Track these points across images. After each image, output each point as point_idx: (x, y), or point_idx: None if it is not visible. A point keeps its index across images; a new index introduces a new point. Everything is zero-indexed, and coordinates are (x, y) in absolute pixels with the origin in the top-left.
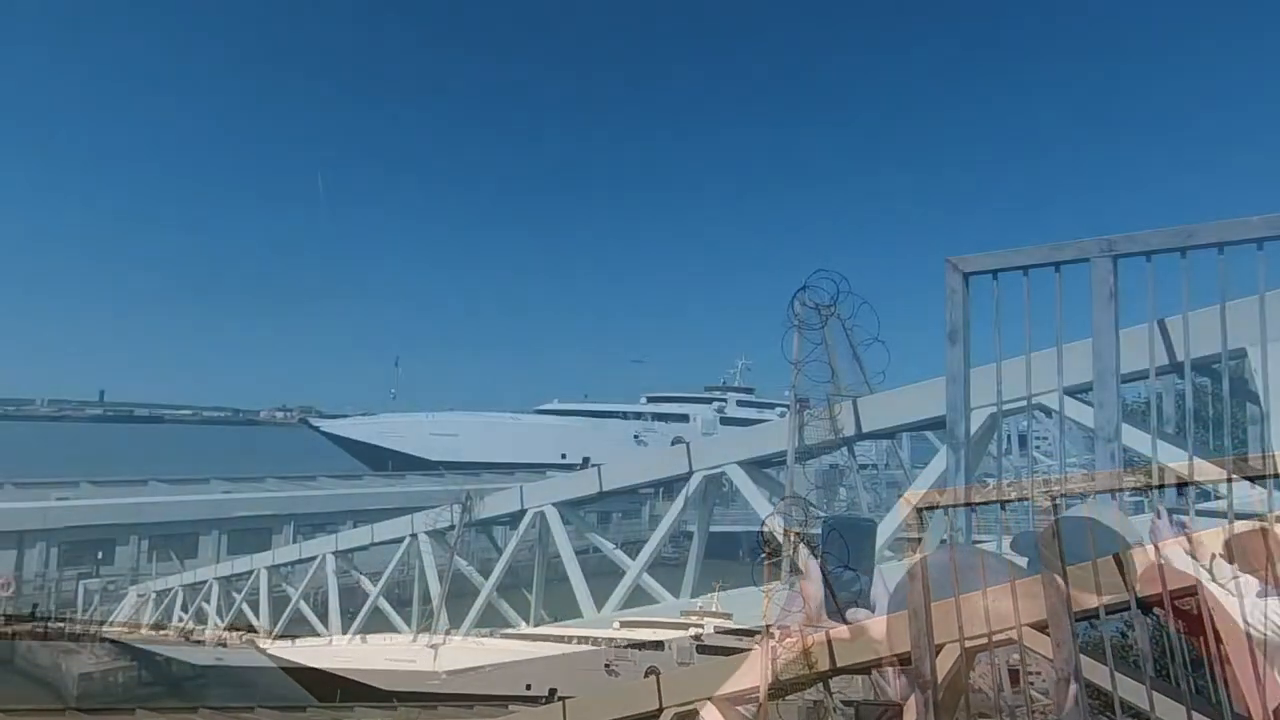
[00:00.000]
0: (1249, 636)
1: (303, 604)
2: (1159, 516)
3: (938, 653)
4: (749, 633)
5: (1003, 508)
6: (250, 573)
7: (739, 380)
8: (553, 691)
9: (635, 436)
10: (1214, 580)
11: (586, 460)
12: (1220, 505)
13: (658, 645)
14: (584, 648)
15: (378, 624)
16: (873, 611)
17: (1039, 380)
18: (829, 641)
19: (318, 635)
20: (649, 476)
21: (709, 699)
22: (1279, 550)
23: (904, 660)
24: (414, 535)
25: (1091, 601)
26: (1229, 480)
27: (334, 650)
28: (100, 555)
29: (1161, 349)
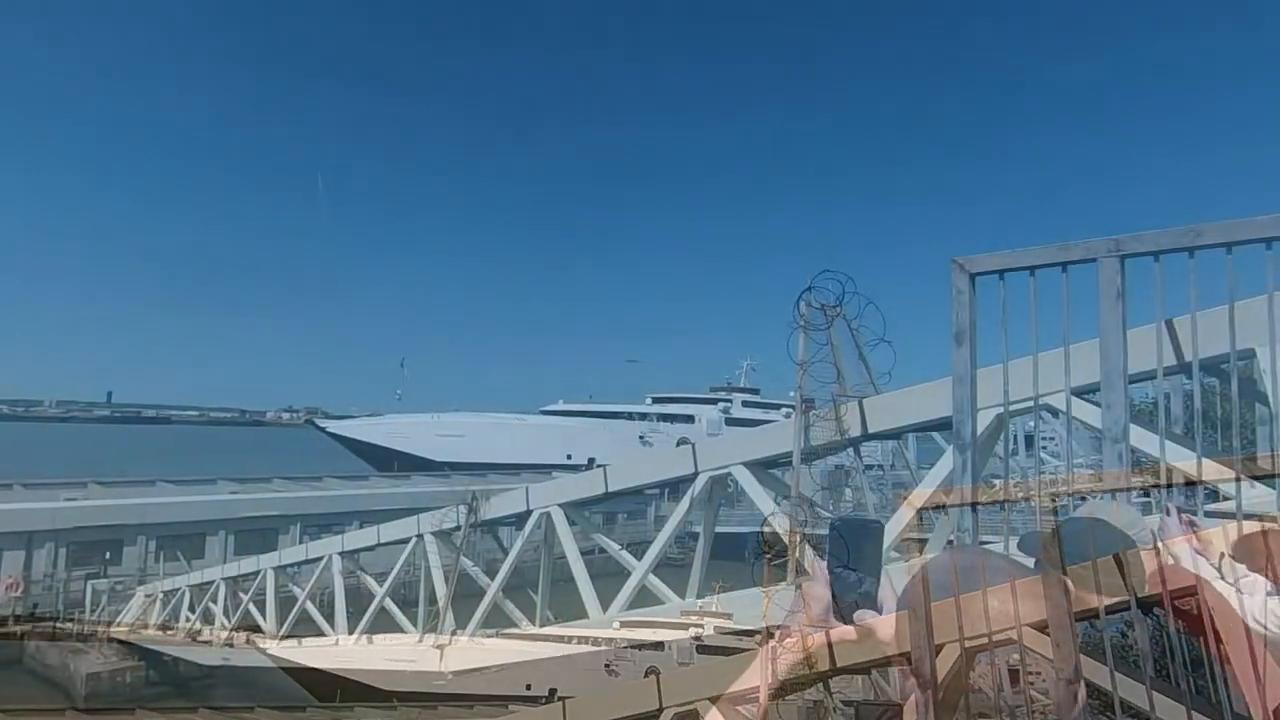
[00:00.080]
0: (1261, 636)
1: (309, 604)
2: (1168, 515)
3: (938, 652)
4: (750, 633)
5: (1002, 508)
6: (257, 573)
7: (744, 381)
8: (553, 691)
9: (640, 437)
10: (1222, 579)
11: (592, 461)
12: (1229, 506)
13: (658, 645)
14: (584, 648)
15: (384, 624)
16: (879, 613)
17: (1046, 381)
18: (829, 642)
19: (324, 636)
20: (654, 477)
21: (709, 699)
22: None
23: (906, 660)
24: (420, 536)
25: (1095, 602)
26: (1237, 480)
27: (340, 651)
28: (108, 555)
29: (1169, 349)
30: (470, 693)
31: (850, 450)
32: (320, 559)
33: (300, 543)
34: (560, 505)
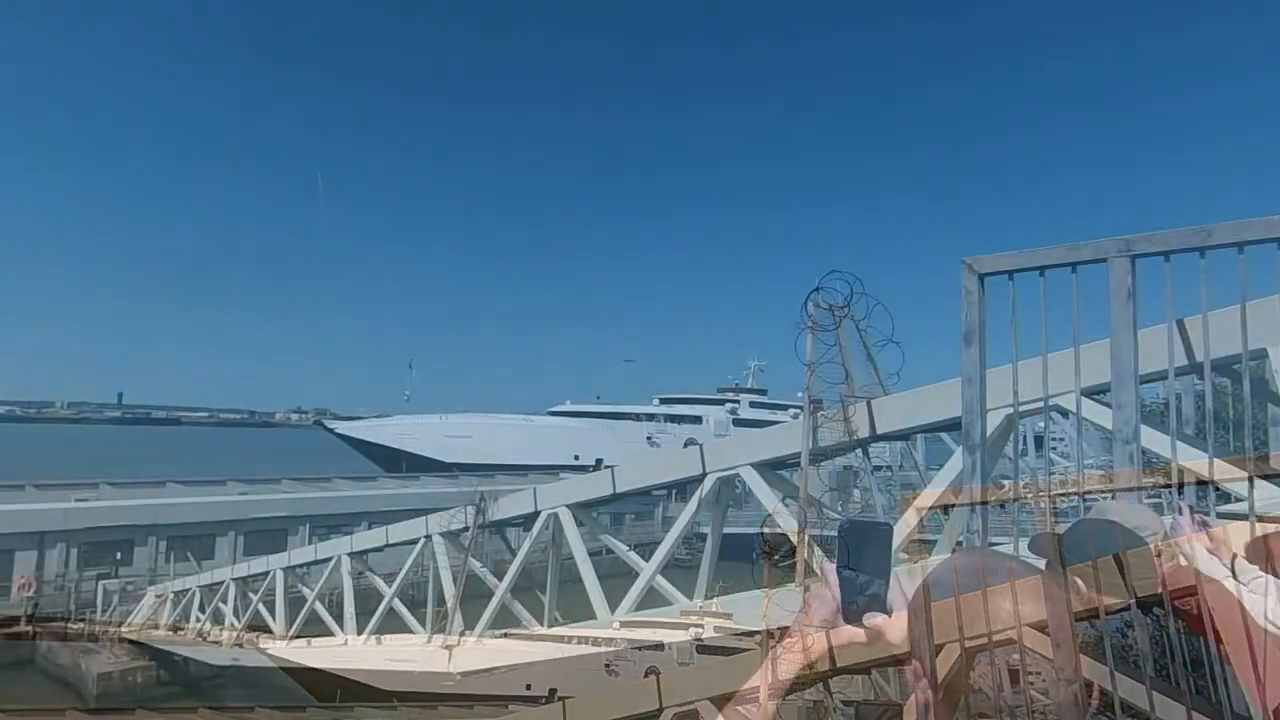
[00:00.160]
0: (1276, 638)
1: (318, 605)
2: (1180, 514)
3: (938, 652)
4: (752, 633)
5: (1002, 508)
6: (266, 573)
7: (752, 381)
8: (553, 691)
9: (648, 438)
10: (1235, 579)
11: (599, 462)
12: (1240, 507)
13: (658, 646)
14: (584, 648)
15: (393, 625)
16: (889, 616)
17: (1056, 381)
18: (835, 643)
19: (333, 636)
20: (662, 478)
21: (709, 699)
22: None
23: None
24: (428, 537)
25: (1103, 601)
26: (1250, 480)
27: (349, 651)
28: (119, 556)
29: (1180, 349)
30: (478, 693)
31: (858, 451)
32: (329, 560)
33: (309, 543)
34: (568, 506)
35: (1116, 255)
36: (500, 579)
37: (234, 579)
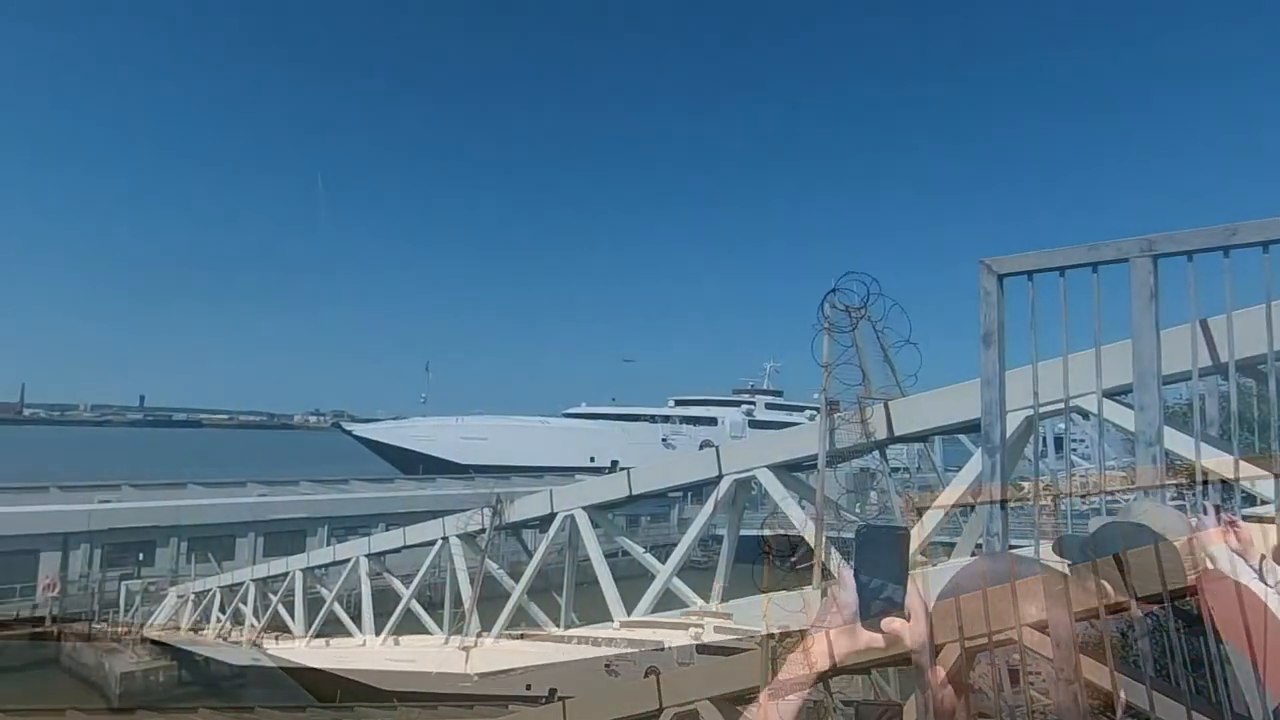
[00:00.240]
0: None
1: (336, 606)
2: (1205, 514)
3: (938, 652)
4: (751, 633)
5: (1004, 507)
6: (285, 574)
7: (767, 383)
8: (553, 691)
9: (663, 440)
10: (1261, 580)
11: (615, 463)
12: (1266, 510)
13: (658, 646)
14: (586, 648)
15: (410, 626)
16: (906, 619)
17: (1076, 383)
18: (846, 645)
19: (351, 636)
20: (678, 480)
21: (709, 699)
22: None
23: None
24: (445, 538)
25: (1125, 600)
26: (1277, 480)
27: (367, 651)
28: (141, 557)
29: (1204, 350)
30: (481, 693)
31: (876, 453)
32: (347, 561)
33: (328, 544)
34: (584, 508)
35: (1139, 255)
36: (517, 580)
37: (254, 580)
